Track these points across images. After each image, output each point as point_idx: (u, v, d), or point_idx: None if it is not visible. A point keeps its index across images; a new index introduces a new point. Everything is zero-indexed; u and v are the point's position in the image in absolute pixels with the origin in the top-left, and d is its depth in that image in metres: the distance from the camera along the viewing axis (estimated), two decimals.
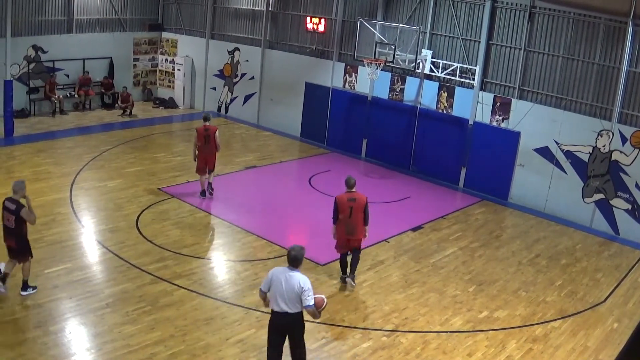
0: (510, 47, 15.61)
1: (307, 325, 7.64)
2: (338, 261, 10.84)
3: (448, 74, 16.38)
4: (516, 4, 15.33)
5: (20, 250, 9.22)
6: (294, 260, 7.34)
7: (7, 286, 9.17)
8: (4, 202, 9.17)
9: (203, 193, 13.87)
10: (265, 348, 7.62)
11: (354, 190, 10.45)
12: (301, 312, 7.37)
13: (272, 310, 7.35)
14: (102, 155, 16.41)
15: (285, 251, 10.97)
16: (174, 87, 23.75)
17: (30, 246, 9.31)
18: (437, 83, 16.98)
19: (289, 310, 7.25)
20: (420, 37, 16.25)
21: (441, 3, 16.74)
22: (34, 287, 9.45)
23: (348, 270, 10.47)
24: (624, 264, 12.68)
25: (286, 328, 7.41)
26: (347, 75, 18.97)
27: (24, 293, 9.32)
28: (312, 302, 7.22)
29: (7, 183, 13.62)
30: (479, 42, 16.01)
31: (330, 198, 14.82)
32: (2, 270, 9.31)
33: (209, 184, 13.95)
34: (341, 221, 10.33)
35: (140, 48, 23.71)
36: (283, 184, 16.25)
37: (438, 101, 17.02)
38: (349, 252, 10.55)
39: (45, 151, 16.31)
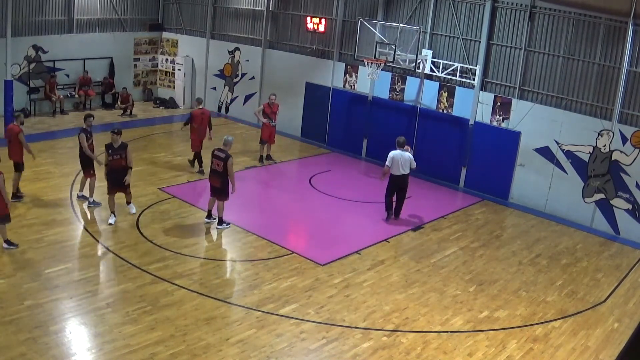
0: (511, 47, 15.60)
1: (307, 325, 9.00)
2: (338, 261, 11.07)
3: (448, 73, 16.38)
4: (516, 4, 15.33)
5: (222, 190, 12.05)
6: (403, 144, 13.25)
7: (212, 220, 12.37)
8: (213, 151, 12.17)
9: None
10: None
11: (202, 106, 15.95)
12: (408, 174, 13.28)
13: (393, 175, 13.15)
14: (103, 155, 16.39)
15: (285, 251, 11.16)
16: (174, 87, 23.76)
17: (228, 191, 12.04)
18: (438, 83, 16.98)
19: (404, 172, 13.15)
20: (421, 37, 16.25)
21: (441, 3, 16.73)
22: (228, 224, 12.40)
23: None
24: (624, 263, 12.68)
25: (401, 183, 13.28)
26: (347, 75, 18.97)
27: (219, 227, 12.31)
28: (415, 165, 13.39)
29: (8, 183, 13.65)
30: (480, 42, 16.00)
31: (332, 198, 14.96)
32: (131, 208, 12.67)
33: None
34: (196, 128, 15.42)
35: (141, 48, 23.71)
36: (283, 184, 16.25)
37: (438, 101, 17.01)
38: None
39: (45, 151, 16.30)
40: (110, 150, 11.87)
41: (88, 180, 12.90)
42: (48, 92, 20.42)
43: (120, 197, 12.41)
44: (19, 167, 12.85)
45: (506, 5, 15.53)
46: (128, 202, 12.52)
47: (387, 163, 13.11)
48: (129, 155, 12.04)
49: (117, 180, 11.97)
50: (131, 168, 12.14)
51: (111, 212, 12.11)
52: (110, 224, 11.97)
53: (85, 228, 11.91)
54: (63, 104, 20.87)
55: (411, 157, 13.28)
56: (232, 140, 12.39)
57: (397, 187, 13.35)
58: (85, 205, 12.88)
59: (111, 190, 12.08)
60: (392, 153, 13.13)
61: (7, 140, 12.94)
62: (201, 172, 15.52)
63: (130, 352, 8.05)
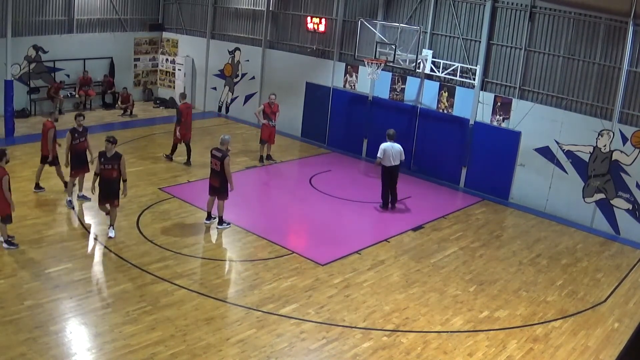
0: (511, 47, 15.60)
1: (307, 325, 9.12)
2: (339, 261, 11.11)
3: (449, 73, 16.37)
4: (517, 4, 15.32)
5: (221, 189, 12.03)
6: (393, 136, 14.00)
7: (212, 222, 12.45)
8: (211, 151, 12.14)
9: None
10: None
11: (188, 101, 17.20)
12: (399, 164, 14.08)
13: (385, 166, 13.91)
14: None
15: (286, 251, 11.16)
16: (174, 87, 23.76)
17: (228, 188, 12.03)
18: (438, 83, 16.98)
19: (395, 163, 13.94)
20: (421, 37, 16.25)
21: (442, 3, 16.73)
22: (229, 223, 12.36)
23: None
24: (624, 263, 12.67)
25: (393, 173, 14.04)
26: (347, 75, 18.97)
27: (219, 227, 12.28)
28: (404, 156, 14.16)
29: (13, 184, 13.68)
30: (480, 42, 16.00)
31: (332, 197, 14.99)
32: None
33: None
34: (183, 122, 16.09)
35: (141, 48, 23.71)
36: (283, 184, 16.25)
37: (439, 101, 17.01)
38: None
39: None
40: (102, 159, 11.21)
41: (78, 178, 12.96)
42: (52, 93, 20.36)
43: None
44: (44, 160, 13.37)
45: (506, 5, 15.52)
46: (110, 224, 11.52)
47: (379, 155, 13.92)
48: (123, 167, 11.29)
49: (106, 192, 11.29)
50: (125, 181, 11.48)
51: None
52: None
53: (85, 228, 11.92)
54: (62, 104, 20.84)
55: (401, 149, 14.05)
56: (228, 139, 12.33)
57: (389, 177, 14.07)
58: (84, 205, 12.90)
59: (101, 203, 11.45)
60: (383, 145, 13.90)
61: (41, 135, 13.55)
62: (184, 162, 16.38)
63: (130, 352, 8.06)
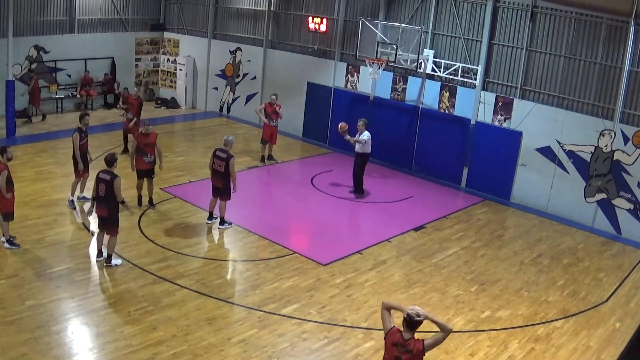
0: (512, 47, 15.59)
1: (308, 325, 9.16)
2: (340, 261, 11.12)
3: (450, 73, 16.36)
4: (518, 4, 15.31)
5: (224, 189, 12.08)
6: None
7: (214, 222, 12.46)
8: (215, 151, 12.07)
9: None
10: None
11: (137, 95, 17.25)
12: None
13: (367, 153, 14.71)
14: (104, 155, 16.38)
15: (287, 251, 11.18)
16: (176, 87, 23.78)
17: (230, 190, 12.06)
18: (439, 83, 16.97)
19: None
20: (422, 36, 16.24)
21: (443, 3, 16.72)
22: (230, 223, 12.40)
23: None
24: (626, 263, 12.66)
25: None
26: (349, 75, 18.97)
27: (221, 227, 12.30)
28: None
29: None
30: (481, 41, 15.99)
31: (333, 197, 14.91)
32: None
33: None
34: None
35: (142, 48, 23.72)
36: (285, 184, 16.25)
37: (440, 101, 17.00)
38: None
39: (46, 151, 16.34)
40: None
41: (81, 179, 12.84)
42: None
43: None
44: (149, 174, 12.96)
45: (508, 5, 15.51)
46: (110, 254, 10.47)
47: (365, 139, 14.50)
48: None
49: None
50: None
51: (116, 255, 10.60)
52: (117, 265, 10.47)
53: (86, 228, 11.93)
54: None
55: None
56: (232, 139, 12.38)
57: (365, 164, 14.91)
58: (85, 205, 12.88)
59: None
60: (367, 134, 14.56)
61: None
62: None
63: (132, 352, 8.06)
